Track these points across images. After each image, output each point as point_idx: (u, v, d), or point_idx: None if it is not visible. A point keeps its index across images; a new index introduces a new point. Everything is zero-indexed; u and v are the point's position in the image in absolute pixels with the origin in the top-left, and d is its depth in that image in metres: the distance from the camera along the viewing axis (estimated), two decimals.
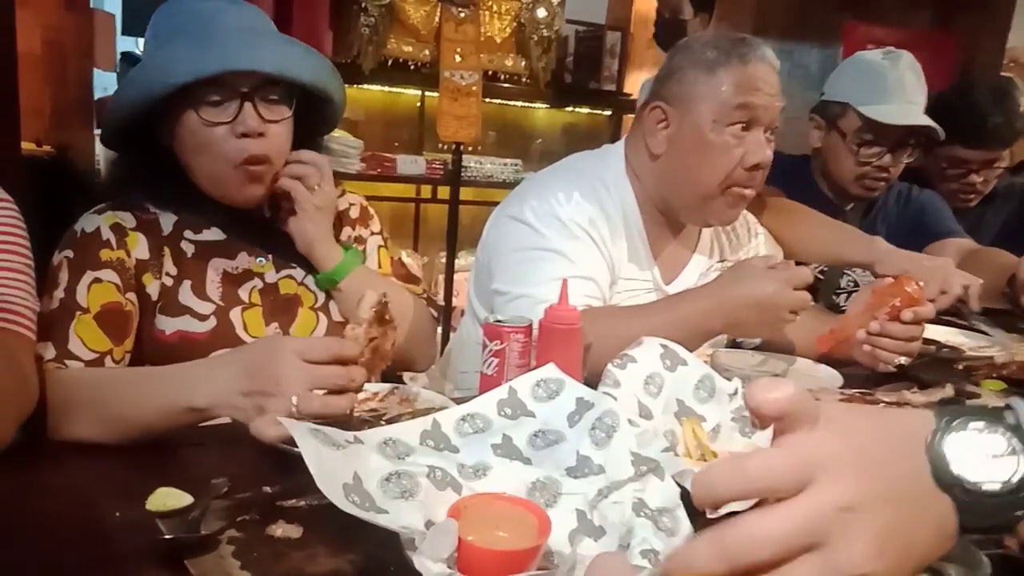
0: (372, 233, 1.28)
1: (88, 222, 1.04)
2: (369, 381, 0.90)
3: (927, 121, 1.65)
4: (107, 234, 1.02)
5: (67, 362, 0.95)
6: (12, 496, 0.76)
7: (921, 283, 1.25)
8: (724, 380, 0.99)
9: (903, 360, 1.25)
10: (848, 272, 1.81)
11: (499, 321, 1.02)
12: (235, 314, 1.08)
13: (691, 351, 1.22)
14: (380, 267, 1.27)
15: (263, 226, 1.13)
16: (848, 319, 1.29)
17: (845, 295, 1.80)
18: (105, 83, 4.05)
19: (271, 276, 1.13)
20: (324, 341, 0.89)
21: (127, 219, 1.05)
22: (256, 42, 1.03)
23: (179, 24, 1.03)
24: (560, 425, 0.79)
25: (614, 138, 3.82)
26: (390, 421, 0.91)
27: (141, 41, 4.77)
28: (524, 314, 1.08)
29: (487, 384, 1.00)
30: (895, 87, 1.65)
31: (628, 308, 1.28)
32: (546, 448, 0.78)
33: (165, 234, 1.07)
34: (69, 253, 1.01)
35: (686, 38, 1.37)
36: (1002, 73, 3.05)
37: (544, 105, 3.68)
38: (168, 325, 1.04)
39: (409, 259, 3.56)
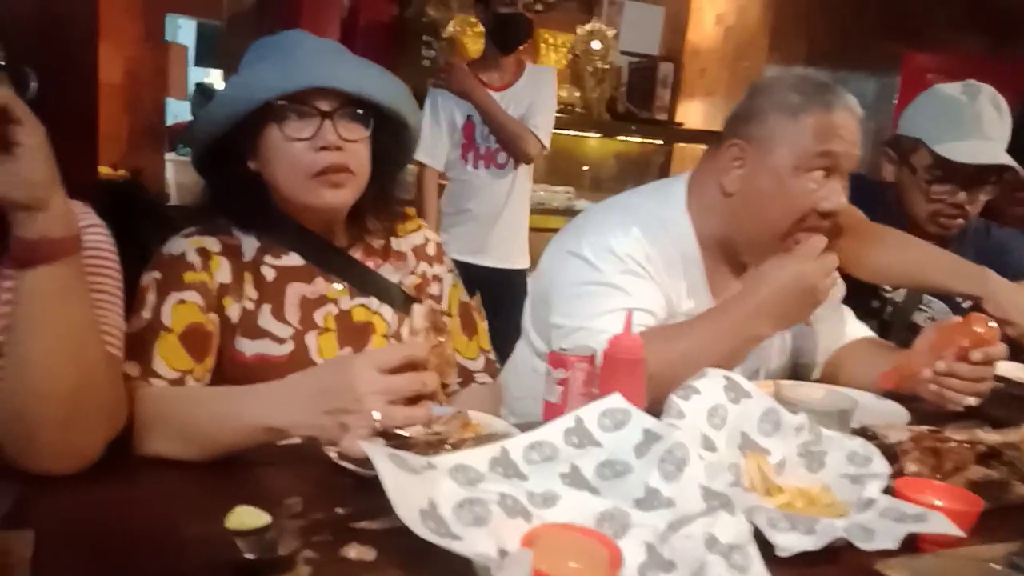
0: (448, 271, 1.29)
1: (175, 245, 1.08)
2: (444, 387, 0.91)
3: (1004, 159, 1.57)
4: (192, 257, 1.06)
5: (151, 380, 0.99)
6: (93, 510, 0.79)
7: (993, 323, 1.21)
8: (790, 414, 0.98)
9: (972, 401, 1.21)
10: (925, 307, 1.75)
11: (563, 350, 1.03)
12: (310, 338, 1.11)
13: (742, 360, 1.21)
14: (448, 308, 1.27)
15: (339, 254, 1.16)
16: (913, 357, 1.25)
17: None
18: (176, 111, 4.22)
19: (346, 303, 1.15)
20: (393, 347, 0.92)
21: (212, 244, 1.09)
22: (336, 62, 1.08)
23: (264, 52, 1.10)
24: (627, 456, 0.80)
25: (665, 167, 3.81)
26: (454, 445, 0.92)
27: (212, 72, 4.95)
28: None
29: (551, 412, 1.00)
30: (971, 123, 1.58)
31: (674, 326, 1.27)
32: (614, 479, 0.78)
33: (247, 259, 1.11)
34: (157, 274, 1.05)
35: (767, 78, 1.35)
36: None
37: (597, 134, 3.71)
38: (248, 347, 1.08)
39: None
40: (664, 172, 3.72)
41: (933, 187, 1.62)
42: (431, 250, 1.27)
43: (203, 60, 4.49)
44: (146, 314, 1.02)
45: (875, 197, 1.64)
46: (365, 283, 1.16)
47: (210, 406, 0.93)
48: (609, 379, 1.00)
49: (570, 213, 3.48)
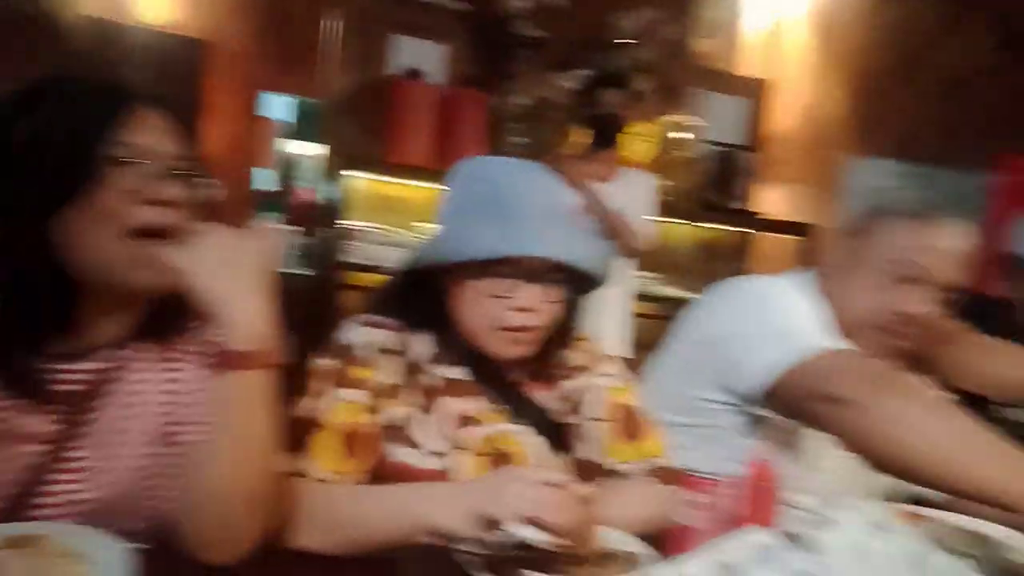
0: (603, 375, 1.17)
1: (349, 333, 1.05)
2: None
3: None
4: (364, 351, 1.03)
5: (306, 476, 0.95)
6: None
7: None
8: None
9: None
10: None
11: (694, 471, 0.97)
12: (461, 459, 1.04)
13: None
14: (602, 413, 1.15)
15: (503, 376, 1.10)
16: None
17: None
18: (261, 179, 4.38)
19: (499, 427, 1.07)
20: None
21: (385, 339, 1.05)
22: (550, 228, 1.03)
23: (483, 196, 1.05)
24: None
25: (744, 254, 3.77)
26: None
27: (300, 144, 5.01)
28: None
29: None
30: None
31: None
32: None
33: (415, 362, 1.07)
34: (328, 362, 1.02)
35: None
36: None
37: (682, 221, 3.71)
38: (398, 454, 1.02)
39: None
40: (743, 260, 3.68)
41: None
42: (583, 360, 1.17)
43: (300, 134, 4.62)
44: (311, 403, 0.99)
45: (987, 312, 1.57)
46: (521, 410, 1.09)
47: (367, 502, 0.93)
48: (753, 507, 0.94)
49: (658, 299, 3.41)
